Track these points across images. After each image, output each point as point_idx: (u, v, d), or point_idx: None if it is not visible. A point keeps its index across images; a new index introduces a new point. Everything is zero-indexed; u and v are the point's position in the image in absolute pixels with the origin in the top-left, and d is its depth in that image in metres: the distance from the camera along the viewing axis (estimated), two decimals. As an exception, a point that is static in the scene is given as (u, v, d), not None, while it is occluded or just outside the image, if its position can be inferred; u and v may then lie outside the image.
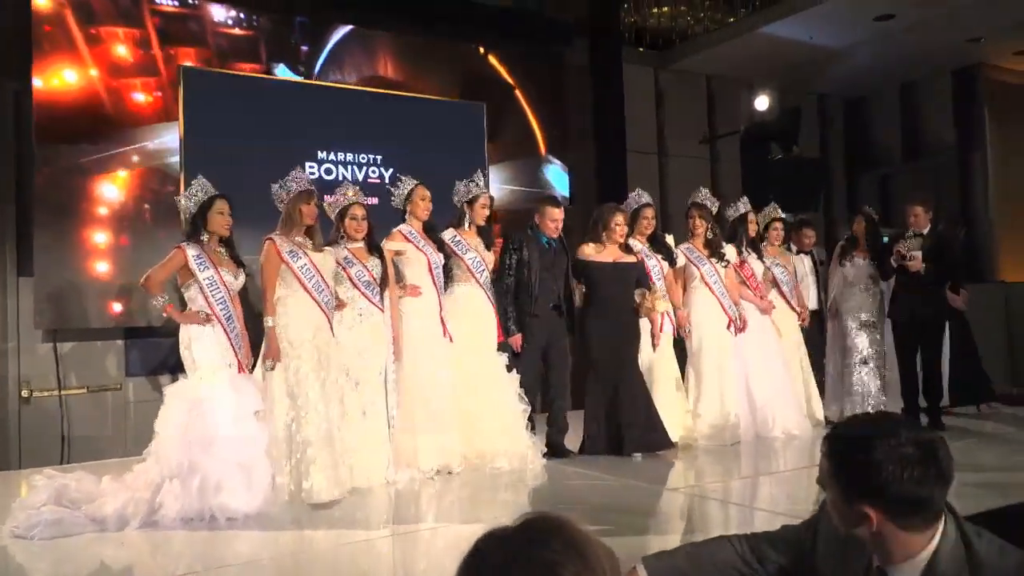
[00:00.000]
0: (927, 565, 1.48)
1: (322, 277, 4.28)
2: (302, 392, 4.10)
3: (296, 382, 4.11)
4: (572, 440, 5.15)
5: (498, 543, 1.02)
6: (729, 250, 5.68)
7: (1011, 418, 6.35)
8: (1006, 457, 4.78)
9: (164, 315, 4.09)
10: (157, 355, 6.02)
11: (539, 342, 5.04)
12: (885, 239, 6.16)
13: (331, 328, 4.33)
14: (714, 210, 5.65)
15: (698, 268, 5.49)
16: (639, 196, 5.46)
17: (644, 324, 5.21)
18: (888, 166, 10.25)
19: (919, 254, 5.64)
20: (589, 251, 5.12)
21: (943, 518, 1.49)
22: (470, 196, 4.98)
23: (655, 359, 5.27)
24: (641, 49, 8.94)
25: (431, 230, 4.89)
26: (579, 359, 5.27)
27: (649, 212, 5.39)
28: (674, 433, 5.14)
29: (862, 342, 6.10)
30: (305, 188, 4.31)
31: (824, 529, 1.69)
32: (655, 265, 5.34)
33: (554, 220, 5.05)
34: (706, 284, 5.47)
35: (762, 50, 8.40)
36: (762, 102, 8.48)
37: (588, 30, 8.31)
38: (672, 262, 5.48)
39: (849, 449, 1.50)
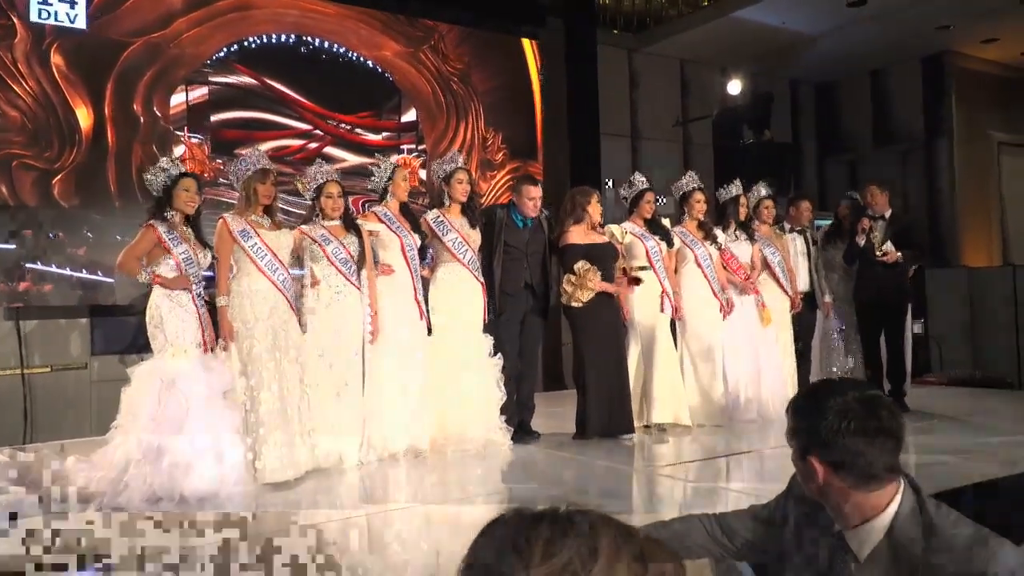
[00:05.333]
0: (885, 532, 1.51)
1: (275, 256, 4.18)
2: (255, 372, 4.03)
3: (249, 361, 4.04)
4: (539, 422, 5.18)
5: (522, 513, 0.96)
6: (719, 235, 5.66)
7: (975, 400, 6.46)
8: (967, 438, 4.87)
9: (154, 284, 3.90)
10: (123, 333, 5.92)
11: (516, 320, 5.00)
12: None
13: (290, 307, 4.24)
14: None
15: (692, 251, 5.50)
16: (640, 180, 5.43)
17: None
18: (858, 151, 10.36)
19: (889, 244, 5.70)
20: (576, 235, 4.99)
21: (899, 486, 1.53)
22: (445, 173, 4.92)
23: (657, 338, 5.25)
24: (616, 31, 8.91)
25: (408, 211, 4.84)
26: (571, 343, 5.14)
27: (651, 195, 5.40)
28: (667, 413, 5.21)
29: (840, 324, 6.20)
30: (260, 166, 4.20)
31: (794, 500, 1.72)
32: (653, 247, 5.32)
33: (532, 199, 4.96)
34: (699, 267, 5.48)
35: (735, 35, 8.42)
36: (735, 86, 8.52)
37: (563, 11, 8.26)
38: (670, 243, 5.47)
39: (803, 405, 1.60)
